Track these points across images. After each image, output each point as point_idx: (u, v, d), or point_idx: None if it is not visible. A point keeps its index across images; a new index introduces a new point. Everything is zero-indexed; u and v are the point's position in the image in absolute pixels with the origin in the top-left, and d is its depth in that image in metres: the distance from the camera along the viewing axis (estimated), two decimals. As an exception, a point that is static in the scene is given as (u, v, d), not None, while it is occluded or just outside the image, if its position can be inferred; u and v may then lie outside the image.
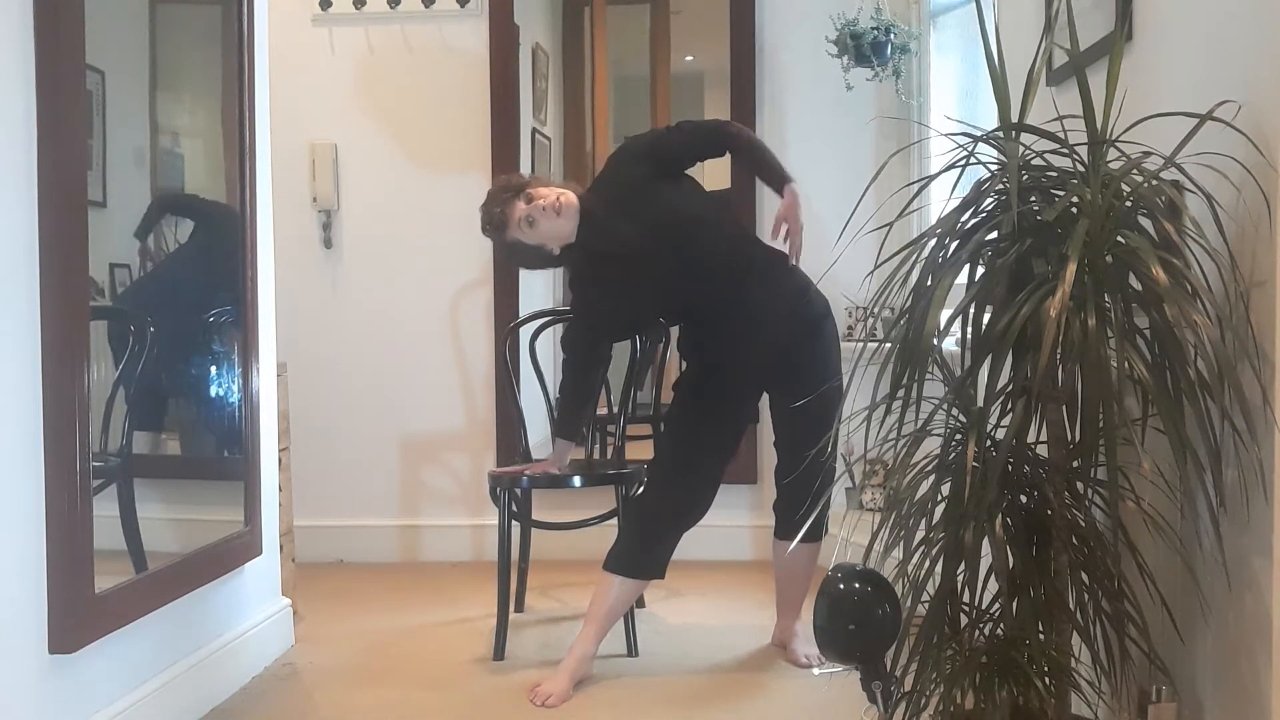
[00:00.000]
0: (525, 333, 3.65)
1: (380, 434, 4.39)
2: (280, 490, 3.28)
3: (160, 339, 2.62)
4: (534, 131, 4.52)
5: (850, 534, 3.53)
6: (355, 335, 4.39)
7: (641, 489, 3.16)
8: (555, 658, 2.99)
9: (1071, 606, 1.80)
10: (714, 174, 4.31)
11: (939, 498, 1.83)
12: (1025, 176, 1.79)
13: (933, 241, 1.80)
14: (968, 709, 1.81)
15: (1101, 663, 1.80)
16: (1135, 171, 1.73)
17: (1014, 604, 1.79)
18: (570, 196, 2.96)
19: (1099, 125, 1.76)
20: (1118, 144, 1.78)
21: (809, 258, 3.05)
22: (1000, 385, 1.75)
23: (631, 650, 3.11)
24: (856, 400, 1.86)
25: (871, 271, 1.86)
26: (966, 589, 1.80)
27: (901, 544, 1.80)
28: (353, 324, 4.39)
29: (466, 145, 4.31)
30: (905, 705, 1.87)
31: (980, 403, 1.77)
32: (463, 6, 4.31)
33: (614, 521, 3.26)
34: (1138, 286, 1.70)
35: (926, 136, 3.60)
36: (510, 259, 3.40)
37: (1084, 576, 1.79)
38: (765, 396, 3.14)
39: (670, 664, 3.08)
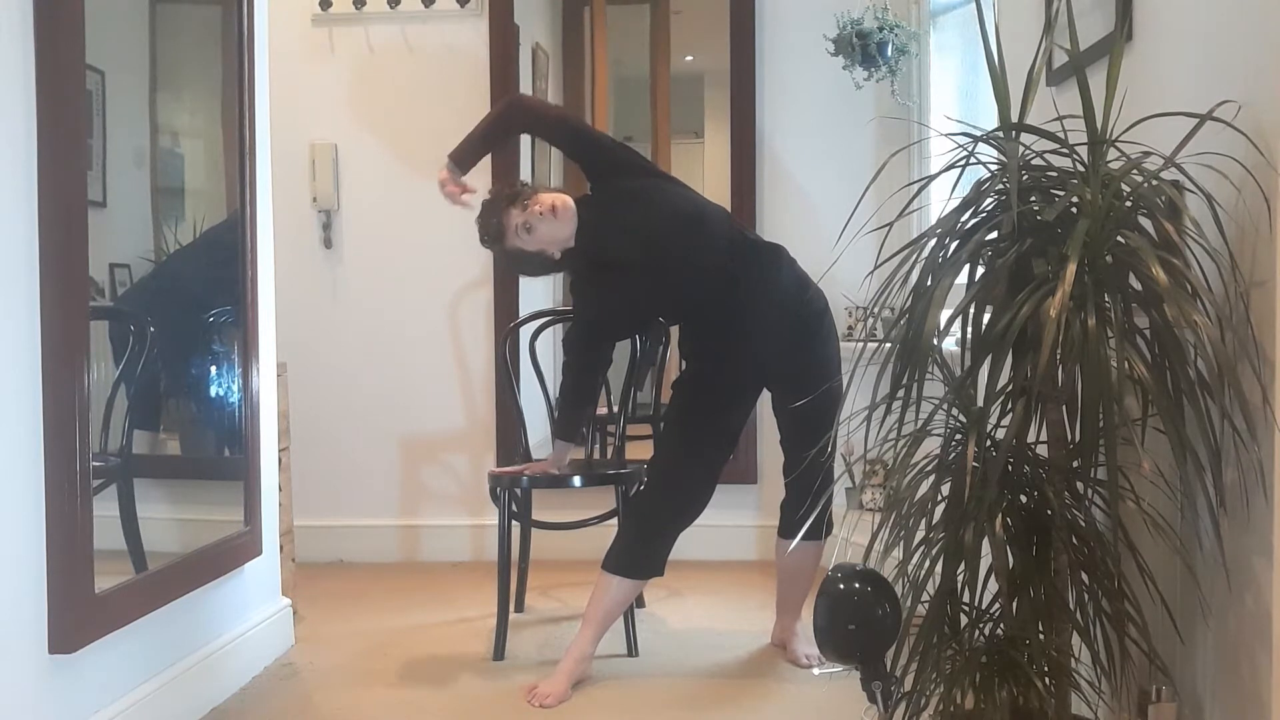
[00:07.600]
0: (525, 333, 3.65)
1: (380, 434, 4.39)
2: (280, 490, 3.28)
3: (160, 339, 2.62)
4: (534, 131, 4.51)
5: (850, 534, 3.53)
6: (355, 335, 4.39)
7: (640, 488, 3.17)
8: (555, 658, 2.99)
9: (1071, 606, 1.80)
10: (715, 178, 4.34)
11: (939, 498, 1.83)
12: (1025, 176, 1.79)
13: (933, 241, 1.80)
14: (968, 709, 1.81)
15: (1101, 663, 1.80)
16: (1135, 171, 1.73)
17: (1014, 604, 1.79)
18: (566, 200, 2.96)
19: (1099, 125, 1.76)
20: (1118, 144, 1.78)
21: (809, 258, 3.05)
22: (1000, 385, 1.75)
23: (631, 650, 3.11)
24: (856, 400, 1.86)
25: (871, 271, 1.86)
26: (966, 589, 1.80)
27: (901, 544, 1.80)
28: (353, 324, 4.39)
29: (467, 145, 4.30)
30: (905, 705, 1.87)
31: (980, 403, 1.77)
32: (463, 6, 4.30)
33: (614, 521, 3.26)
34: (1138, 286, 1.70)
35: (926, 137, 3.60)
36: (512, 267, 3.40)
37: (1084, 576, 1.79)
38: (768, 395, 3.14)
39: (670, 664, 3.08)
